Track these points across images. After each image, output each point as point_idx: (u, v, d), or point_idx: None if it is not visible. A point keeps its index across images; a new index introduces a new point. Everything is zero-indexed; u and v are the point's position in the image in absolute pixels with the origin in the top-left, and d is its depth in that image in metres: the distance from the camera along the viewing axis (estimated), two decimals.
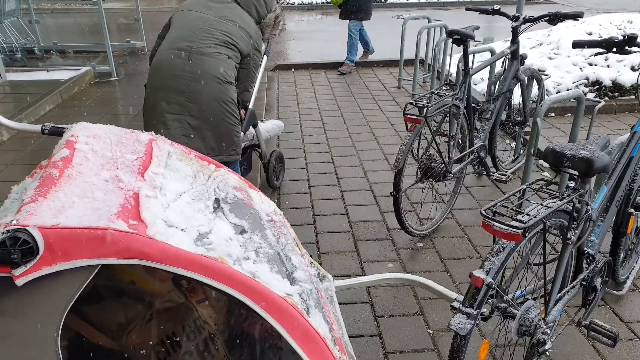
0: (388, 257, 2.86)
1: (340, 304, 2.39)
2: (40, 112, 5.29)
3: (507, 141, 4.37)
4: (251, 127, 3.26)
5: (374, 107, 5.51)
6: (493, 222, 1.46)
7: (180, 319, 1.32)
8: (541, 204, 1.59)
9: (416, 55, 5.72)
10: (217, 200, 1.60)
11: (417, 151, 2.91)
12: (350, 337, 2.25)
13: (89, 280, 1.05)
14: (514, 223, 1.44)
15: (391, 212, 3.28)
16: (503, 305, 1.72)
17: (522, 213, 1.51)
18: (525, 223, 1.44)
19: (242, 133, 3.07)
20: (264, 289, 1.22)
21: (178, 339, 1.30)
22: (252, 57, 2.68)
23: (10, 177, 3.83)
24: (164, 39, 2.60)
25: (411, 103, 2.61)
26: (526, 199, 1.66)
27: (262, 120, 3.68)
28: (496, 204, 1.53)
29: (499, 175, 3.28)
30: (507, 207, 1.54)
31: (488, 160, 3.41)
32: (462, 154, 3.09)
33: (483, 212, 1.50)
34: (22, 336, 1.00)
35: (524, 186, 1.71)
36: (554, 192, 1.68)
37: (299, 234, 3.08)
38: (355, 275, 2.71)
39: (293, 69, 7.20)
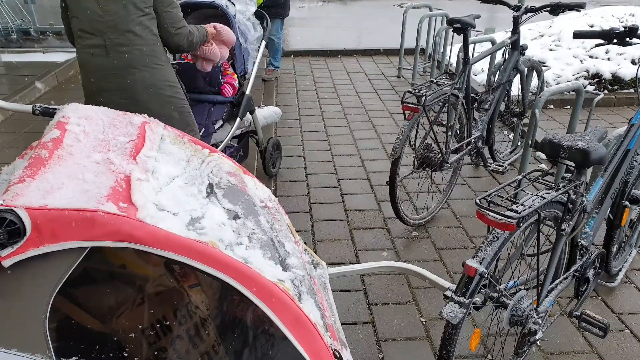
0: (383, 245, 2.86)
1: (333, 291, 2.39)
2: (36, 94, 5.24)
3: (505, 132, 4.35)
4: (248, 113, 3.23)
5: (373, 96, 5.48)
6: (487, 212, 1.45)
7: (172, 304, 1.31)
8: (536, 195, 1.58)
9: (417, 45, 5.68)
10: (210, 185, 1.59)
11: (415, 140, 2.90)
12: (343, 324, 2.25)
13: (77, 262, 1.04)
14: (508, 213, 1.43)
15: (387, 202, 3.27)
16: (495, 295, 1.72)
17: (517, 203, 1.50)
18: (520, 213, 1.43)
19: (239, 119, 3.06)
20: (255, 274, 1.22)
21: (168, 323, 1.29)
22: None
23: (5, 159, 3.80)
24: (74, 33, 2.35)
25: (409, 91, 2.59)
26: (521, 190, 1.65)
27: (259, 107, 3.66)
28: (491, 193, 1.52)
29: (496, 166, 3.28)
30: (502, 197, 1.53)
31: (485, 151, 3.40)
32: (459, 144, 3.08)
33: (478, 201, 1.49)
34: (10, 317, 0.99)
35: (520, 176, 1.70)
36: (550, 183, 1.67)
37: (295, 221, 3.08)
38: (350, 263, 2.71)
39: (292, 56, 7.15)
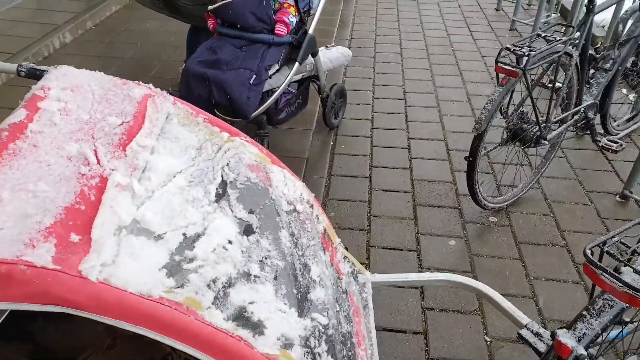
0: (451, 231, 2.42)
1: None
2: (106, 13, 5.02)
3: (625, 91, 3.54)
4: (310, 56, 2.78)
5: (465, 33, 4.72)
6: (603, 274, 0.99)
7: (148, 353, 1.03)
8: None
9: None
10: (223, 184, 1.23)
11: (507, 106, 2.32)
12: (389, 330, 1.92)
13: None
14: (636, 281, 0.96)
15: (465, 173, 2.77)
16: None
17: None
18: None
19: (298, 63, 2.63)
20: (242, 350, 0.88)
21: None
22: None
23: None
24: None
25: (507, 48, 2.01)
26: None
27: (326, 47, 3.17)
28: (607, 240, 1.04)
29: (608, 143, 2.62)
30: (626, 247, 1.05)
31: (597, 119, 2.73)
32: (564, 114, 2.45)
33: (588, 251, 1.02)
34: None
35: None
36: None
37: (350, 188, 2.69)
38: (408, 249, 2.31)
39: None
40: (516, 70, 1.97)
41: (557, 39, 2.09)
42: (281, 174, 1.38)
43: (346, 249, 1.58)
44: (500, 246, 2.33)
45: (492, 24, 4.90)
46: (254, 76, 2.45)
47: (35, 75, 1.30)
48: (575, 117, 2.53)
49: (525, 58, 1.95)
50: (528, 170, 2.78)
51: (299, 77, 2.87)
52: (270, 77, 2.59)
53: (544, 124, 2.25)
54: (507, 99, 2.22)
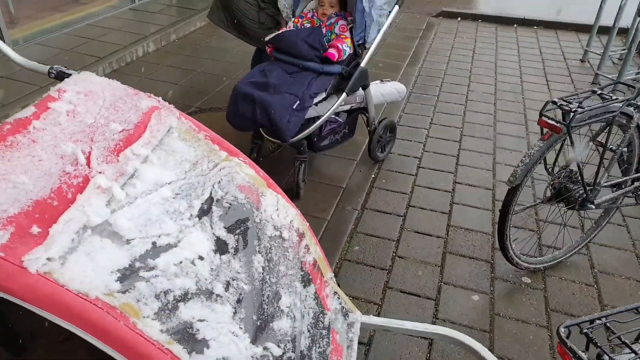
0: (477, 285, 2.27)
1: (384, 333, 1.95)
2: (190, 28, 5.35)
3: None
4: (360, 88, 2.79)
5: (540, 82, 4.50)
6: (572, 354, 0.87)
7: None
8: None
9: (615, 22, 4.43)
10: (209, 200, 1.25)
11: (555, 161, 2.17)
12: None
13: None
14: None
15: None
16: None
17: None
18: None
19: (345, 93, 2.64)
20: None
21: None
22: None
23: None
24: None
25: (554, 102, 1.88)
26: None
27: (381, 80, 3.17)
28: (594, 320, 0.92)
29: None
30: (611, 333, 0.92)
31: None
32: (621, 179, 2.24)
33: (562, 330, 0.91)
34: None
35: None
36: None
37: (382, 224, 2.63)
38: (427, 297, 2.20)
39: (459, 19, 6.27)
40: (559, 126, 1.84)
41: (614, 97, 1.93)
42: (274, 199, 1.38)
43: (338, 285, 1.53)
44: (528, 310, 2.14)
45: (573, 75, 4.63)
46: (298, 102, 2.49)
47: (63, 78, 1.41)
48: (637, 183, 2.30)
49: (571, 114, 1.82)
50: (576, 232, 2.56)
51: (347, 107, 2.88)
52: (316, 105, 2.63)
53: (590, 187, 2.07)
54: (556, 154, 2.07)
